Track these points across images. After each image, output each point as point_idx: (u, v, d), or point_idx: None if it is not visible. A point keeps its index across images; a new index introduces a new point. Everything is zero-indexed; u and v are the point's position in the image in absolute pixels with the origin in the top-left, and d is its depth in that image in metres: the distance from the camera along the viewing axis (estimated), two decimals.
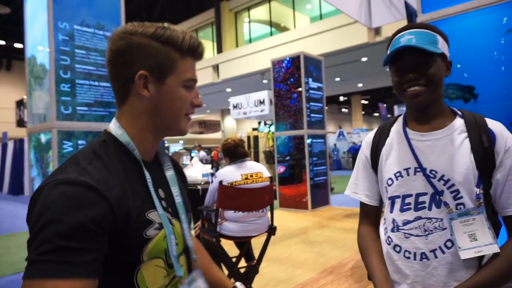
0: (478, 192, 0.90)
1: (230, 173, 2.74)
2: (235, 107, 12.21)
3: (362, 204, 1.11)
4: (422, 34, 0.92)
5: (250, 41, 16.02)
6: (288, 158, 7.06)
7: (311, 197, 6.64)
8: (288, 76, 7.03)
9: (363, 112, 28.59)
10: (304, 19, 15.34)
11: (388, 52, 0.96)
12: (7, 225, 7.08)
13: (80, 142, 3.70)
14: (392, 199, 0.99)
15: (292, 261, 3.86)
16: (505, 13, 2.96)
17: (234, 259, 2.73)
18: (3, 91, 22.39)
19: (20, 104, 14.17)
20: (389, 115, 16.67)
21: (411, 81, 0.91)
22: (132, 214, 0.68)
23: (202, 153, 13.29)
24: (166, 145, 18.62)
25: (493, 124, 0.95)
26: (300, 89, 6.86)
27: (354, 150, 17.65)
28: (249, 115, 11.94)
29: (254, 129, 17.35)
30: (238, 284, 0.98)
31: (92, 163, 0.68)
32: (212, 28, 17.71)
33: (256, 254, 2.81)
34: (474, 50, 3.13)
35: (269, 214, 2.87)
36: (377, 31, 10.05)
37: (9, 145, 13.91)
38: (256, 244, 3.01)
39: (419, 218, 0.94)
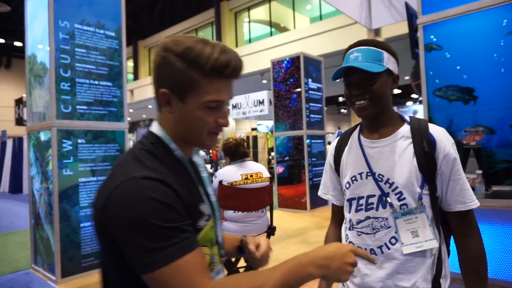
0: (420, 193, 0.99)
1: (230, 173, 2.75)
2: (234, 107, 12.21)
3: (333, 205, 1.25)
4: (369, 52, 1.00)
5: (250, 41, 16.02)
6: (287, 158, 7.07)
7: (310, 198, 6.64)
8: (288, 77, 7.04)
9: None
10: (304, 20, 15.34)
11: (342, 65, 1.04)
12: (6, 224, 7.07)
13: (80, 141, 3.70)
14: (350, 201, 1.10)
15: None
16: (505, 15, 2.96)
17: (233, 259, 2.73)
18: (2, 89, 22.36)
19: (19, 102, 14.15)
20: None
21: (357, 96, 1.01)
22: (190, 206, 0.75)
23: (201, 153, 13.28)
24: None
25: (435, 130, 1.03)
26: (299, 89, 6.87)
27: None
28: (248, 115, 11.95)
29: (253, 129, 17.36)
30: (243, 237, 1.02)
31: (154, 162, 0.75)
32: (212, 28, 17.70)
33: None
34: (474, 52, 3.13)
35: (268, 214, 2.87)
36: (377, 32, 10.06)
37: (8, 143, 13.89)
38: None
39: (368, 217, 1.04)
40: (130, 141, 15.10)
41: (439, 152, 0.99)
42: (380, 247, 1.02)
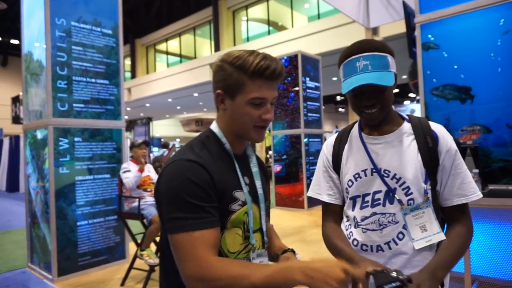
0: (425, 188, 1.01)
1: None
2: None
3: (325, 204, 1.17)
4: (376, 59, 0.98)
5: (247, 39, 15.99)
6: (284, 157, 7.07)
7: (307, 196, 6.64)
8: (286, 75, 7.03)
9: None
10: (302, 18, 15.33)
11: (343, 71, 1.04)
12: (3, 222, 7.05)
13: (76, 139, 3.69)
14: (354, 199, 1.09)
15: None
16: (502, 15, 2.97)
17: None
18: None
19: (16, 100, 14.09)
20: None
21: (368, 106, 1.01)
22: (225, 190, 0.90)
23: None
24: (163, 142, 18.58)
25: (436, 127, 1.07)
26: (297, 88, 6.87)
27: None
28: None
29: None
30: (296, 252, 1.08)
31: (202, 150, 0.93)
32: (209, 26, 17.65)
33: None
34: (471, 51, 3.14)
35: None
36: (375, 31, 10.07)
37: (4, 141, 13.82)
38: None
39: (375, 213, 1.04)
40: (127, 139, 15.06)
41: (442, 148, 1.02)
42: (387, 243, 1.01)
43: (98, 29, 3.89)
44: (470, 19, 3.13)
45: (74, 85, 3.69)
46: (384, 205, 1.02)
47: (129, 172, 3.60)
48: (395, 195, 1.01)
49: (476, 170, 2.75)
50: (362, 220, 1.05)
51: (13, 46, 20.55)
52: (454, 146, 1.05)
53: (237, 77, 0.91)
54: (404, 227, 1.00)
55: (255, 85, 0.91)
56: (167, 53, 20.77)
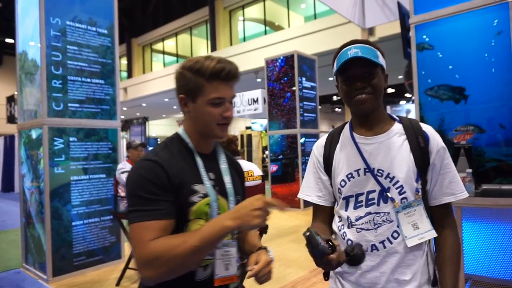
0: (417, 187, 1.03)
1: None
2: None
3: (315, 205, 1.19)
4: (366, 49, 1.03)
5: (244, 39, 15.98)
6: (281, 157, 7.08)
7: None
8: (282, 75, 7.04)
9: None
10: (298, 18, 15.34)
11: (336, 63, 1.07)
12: None
13: (71, 139, 3.67)
14: (347, 199, 1.09)
15: (284, 259, 3.88)
16: (496, 16, 2.99)
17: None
18: None
19: (11, 100, 13.99)
20: None
21: (359, 89, 1.02)
22: (182, 184, 0.98)
23: None
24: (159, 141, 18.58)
25: (426, 127, 1.09)
26: (293, 88, 6.87)
27: None
28: (242, 114, 11.92)
29: (247, 128, 17.35)
30: (269, 249, 1.12)
31: (163, 150, 1.03)
32: (206, 26, 17.62)
33: None
34: (465, 52, 3.16)
35: None
36: (371, 31, 10.10)
37: None
38: None
39: (369, 213, 1.04)
40: (123, 139, 15.00)
41: (433, 147, 1.05)
42: (382, 242, 1.02)
43: (94, 28, 3.88)
44: (464, 20, 3.15)
45: (69, 84, 3.67)
46: (378, 204, 1.04)
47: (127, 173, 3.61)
48: (389, 194, 1.03)
49: (470, 170, 2.77)
50: (357, 220, 1.06)
51: (7, 45, 20.39)
52: (443, 146, 1.08)
53: (196, 81, 1.00)
54: (398, 225, 1.02)
55: (212, 86, 1.00)
56: (163, 52, 20.71)
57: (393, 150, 1.04)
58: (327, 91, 19.49)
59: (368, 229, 1.04)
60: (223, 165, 1.13)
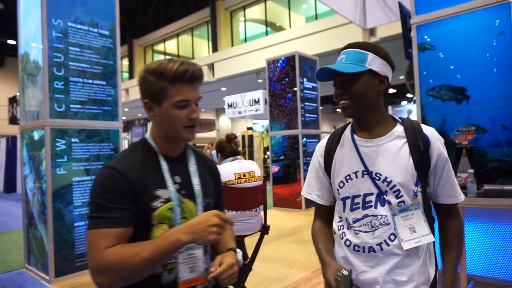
0: (415, 190, 1.04)
1: (223, 172, 2.75)
2: (230, 106, 12.19)
3: (316, 204, 1.22)
4: (353, 54, 1.05)
5: (245, 40, 15.99)
6: (282, 157, 7.08)
7: (305, 197, 6.65)
8: (283, 76, 7.04)
9: None
10: (299, 19, 15.35)
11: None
12: (0, 223, 7.03)
13: (73, 140, 3.68)
14: (344, 200, 1.11)
15: (286, 260, 3.87)
16: (497, 16, 2.99)
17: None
18: None
19: (13, 101, 14.02)
20: None
21: (338, 96, 1.07)
22: (144, 189, 0.98)
23: None
24: None
25: (428, 130, 1.08)
26: (295, 88, 6.88)
27: None
28: (244, 114, 11.92)
29: (248, 129, 17.35)
30: (238, 250, 1.15)
31: (126, 156, 1.03)
32: (207, 27, 17.64)
33: (250, 253, 2.82)
34: (467, 52, 3.15)
35: (262, 213, 2.88)
36: (372, 32, 10.10)
37: (1, 142, 13.77)
38: (250, 243, 3.02)
39: (367, 215, 1.06)
40: (125, 140, 15.00)
41: (433, 151, 1.05)
42: (379, 244, 1.04)
43: (95, 29, 3.89)
44: (465, 20, 3.15)
45: (71, 86, 3.69)
46: (376, 207, 1.05)
47: None
48: (386, 198, 1.04)
49: (472, 170, 2.76)
50: (354, 222, 1.08)
51: (10, 47, 20.47)
52: (444, 150, 1.08)
53: (160, 85, 0.99)
54: (395, 228, 1.03)
55: (177, 89, 0.99)
56: (164, 53, 20.74)
57: (392, 154, 1.05)
58: (328, 91, 19.49)
59: (366, 232, 1.05)
60: (192, 167, 1.12)
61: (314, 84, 7.34)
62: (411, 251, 1.02)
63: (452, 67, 3.25)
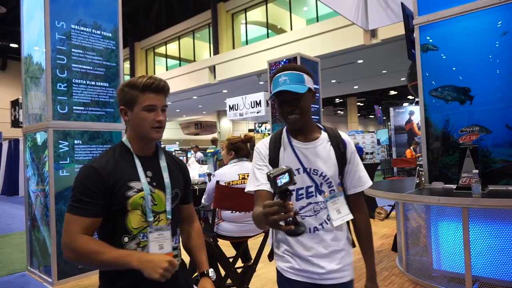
0: (339, 181, 1.37)
1: (227, 173, 2.74)
2: (231, 108, 12.19)
3: (258, 194, 1.36)
4: (294, 75, 1.29)
5: (246, 42, 16.01)
6: None
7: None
8: None
9: (358, 114, 28.69)
10: (300, 21, 15.37)
11: (272, 86, 1.34)
12: (2, 226, 7.02)
13: (76, 141, 3.69)
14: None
15: None
16: (500, 16, 2.98)
17: (230, 260, 2.73)
18: None
19: (15, 104, 14.03)
20: (384, 118, 16.72)
21: (289, 111, 1.30)
22: (118, 182, 1.22)
23: (199, 154, 13.21)
24: (162, 145, 18.58)
25: (344, 136, 1.42)
26: None
27: None
28: (245, 116, 11.91)
29: (250, 131, 17.34)
30: (210, 270, 1.41)
31: (103, 156, 1.27)
32: (208, 29, 17.67)
33: (253, 254, 2.81)
34: (470, 53, 3.14)
35: None
36: (373, 33, 10.10)
37: (3, 145, 13.79)
38: (253, 245, 3.01)
39: (310, 203, 1.34)
40: None
41: (349, 152, 1.39)
42: (321, 224, 1.33)
43: (98, 32, 3.90)
44: (468, 20, 3.14)
45: (74, 87, 3.69)
46: (316, 196, 1.33)
47: None
48: (321, 188, 1.33)
49: (476, 171, 2.75)
50: (300, 209, 1.33)
51: (12, 50, 20.55)
52: (355, 150, 1.43)
53: (133, 93, 1.25)
54: (328, 211, 1.34)
55: (145, 96, 1.24)
56: (166, 56, 20.78)
57: (324, 154, 1.35)
58: (330, 93, 19.50)
59: (310, 216, 1.33)
60: (163, 164, 1.36)
61: (315, 86, 7.33)
62: (340, 228, 1.35)
63: (454, 68, 3.24)
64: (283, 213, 0.93)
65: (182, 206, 1.46)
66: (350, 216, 1.36)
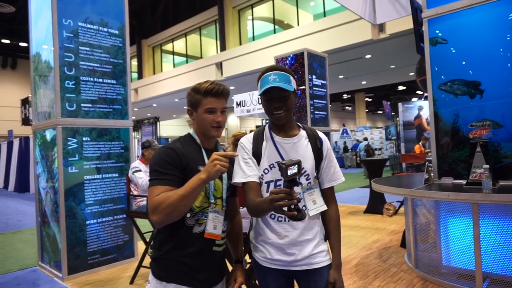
0: (316, 175, 1.49)
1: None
2: (238, 104, 12.19)
3: (248, 185, 1.45)
4: (282, 75, 1.41)
5: (253, 38, 15.96)
6: None
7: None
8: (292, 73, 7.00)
9: (366, 110, 28.47)
10: (307, 17, 15.26)
11: (260, 84, 1.45)
12: (13, 222, 7.14)
13: (84, 138, 3.72)
14: (268, 183, 1.47)
15: None
16: (511, 9, 2.92)
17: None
18: (9, 89, 22.53)
19: (25, 102, 14.23)
20: (393, 113, 16.56)
21: (277, 108, 1.42)
22: (189, 164, 1.38)
23: None
24: (170, 141, 18.64)
25: (320, 134, 1.55)
26: (303, 86, 6.84)
27: (358, 148, 17.59)
28: (252, 113, 11.90)
29: (257, 127, 17.33)
30: (244, 259, 1.58)
31: (177, 143, 1.46)
32: (215, 26, 17.66)
33: None
34: (480, 46, 3.08)
35: None
36: (381, 27, 9.98)
37: (14, 143, 14.00)
38: None
39: None
40: (135, 139, 15.10)
41: (325, 148, 1.51)
42: None
43: (105, 29, 3.92)
44: (478, 13, 3.08)
45: (81, 85, 3.72)
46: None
47: (141, 172, 3.64)
48: (299, 180, 1.43)
49: (487, 166, 2.71)
50: None
51: (21, 49, 20.79)
52: (330, 147, 1.55)
53: (197, 97, 1.42)
54: (304, 201, 1.44)
55: (207, 100, 1.41)
56: (173, 53, 20.83)
57: (302, 149, 1.46)
58: (337, 89, 19.38)
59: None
60: None
61: (323, 81, 7.29)
62: (313, 217, 1.45)
63: (464, 62, 3.18)
64: (287, 200, 1.05)
65: (231, 197, 1.60)
66: (324, 207, 1.47)
